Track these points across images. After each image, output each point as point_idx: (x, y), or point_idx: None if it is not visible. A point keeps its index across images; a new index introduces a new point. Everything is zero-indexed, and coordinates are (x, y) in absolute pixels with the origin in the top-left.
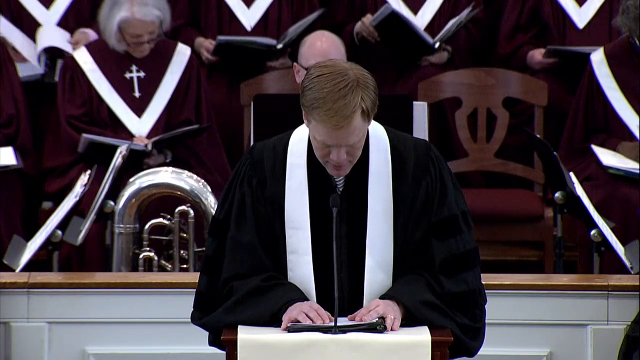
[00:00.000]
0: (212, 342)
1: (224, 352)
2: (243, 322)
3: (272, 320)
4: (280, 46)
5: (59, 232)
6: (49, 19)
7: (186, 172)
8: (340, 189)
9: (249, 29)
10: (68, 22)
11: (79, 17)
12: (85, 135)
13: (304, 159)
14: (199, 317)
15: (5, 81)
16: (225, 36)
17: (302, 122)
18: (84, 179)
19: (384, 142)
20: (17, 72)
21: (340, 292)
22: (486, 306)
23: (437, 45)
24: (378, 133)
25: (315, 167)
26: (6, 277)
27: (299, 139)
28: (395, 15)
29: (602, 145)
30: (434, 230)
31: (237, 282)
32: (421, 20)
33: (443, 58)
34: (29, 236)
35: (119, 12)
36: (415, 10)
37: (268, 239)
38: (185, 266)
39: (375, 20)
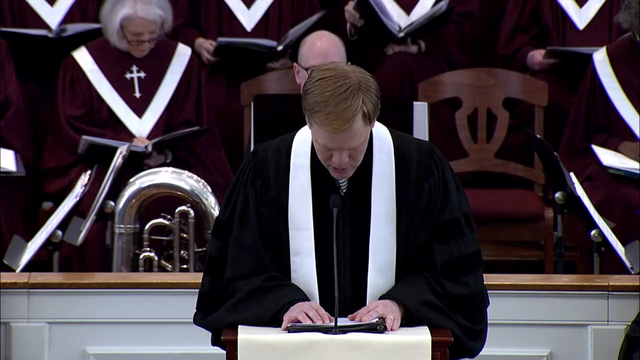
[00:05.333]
0: (214, 342)
1: (225, 352)
2: (244, 321)
3: (273, 320)
4: (280, 48)
5: (59, 232)
6: (53, 17)
7: (186, 172)
8: (344, 190)
9: (248, 29)
10: (73, 20)
11: (84, 15)
12: (85, 137)
13: (307, 160)
14: (201, 317)
15: (5, 81)
16: (225, 37)
17: (303, 122)
18: (84, 179)
19: (387, 143)
20: (14, 72)
21: (343, 293)
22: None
23: (402, 35)
24: (381, 134)
25: (318, 169)
26: (6, 277)
27: (302, 140)
28: (363, 0)
29: (603, 144)
30: (436, 233)
31: (240, 282)
32: (412, 19)
33: (412, 50)
34: (29, 236)
35: (122, 8)
36: (407, 10)
37: (271, 240)
38: (185, 266)
39: (354, 4)
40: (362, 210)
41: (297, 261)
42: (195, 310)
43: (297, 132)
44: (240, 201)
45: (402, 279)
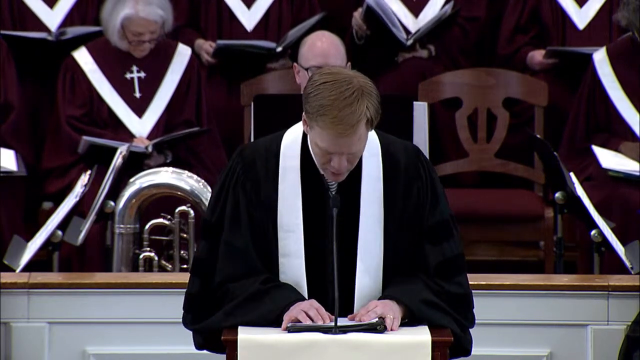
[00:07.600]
0: (202, 345)
1: (222, 354)
2: (245, 325)
3: (274, 322)
4: (279, 49)
5: (59, 232)
6: (52, 19)
7: (186, 172)
8: (333, 192)
9: (249, 29)
10: (73, 22)
11: (84, 17)
12: (85, 137)
13: (297, 161)
14: (192, 320)
15: (7, 84)
16: (224, 39)
17: None
18: (84, 179)
19: (375, 145)
20: (15, 74)
21: (331, 295)
22: (484, 307)
23: (410, 42)
24: (369, 136)
25: (308, 170)
26: (6, 277)
27: (292, 141)
28: (370, 10)
29: (603, 145)
30: (428, 234)
31: (233, 284)
32: (421, 23)
33: (422, 54)
34: (29, 236)
35: (123, 8)
36: (415, 13)
37: (261, 241)
38: (185, 266)
39: (361, 13)
40: (351, 212)
41: (285, 263)
42: (183, 312)
43: (284, 132)
44: (230, 204)
45: (390, 280)
